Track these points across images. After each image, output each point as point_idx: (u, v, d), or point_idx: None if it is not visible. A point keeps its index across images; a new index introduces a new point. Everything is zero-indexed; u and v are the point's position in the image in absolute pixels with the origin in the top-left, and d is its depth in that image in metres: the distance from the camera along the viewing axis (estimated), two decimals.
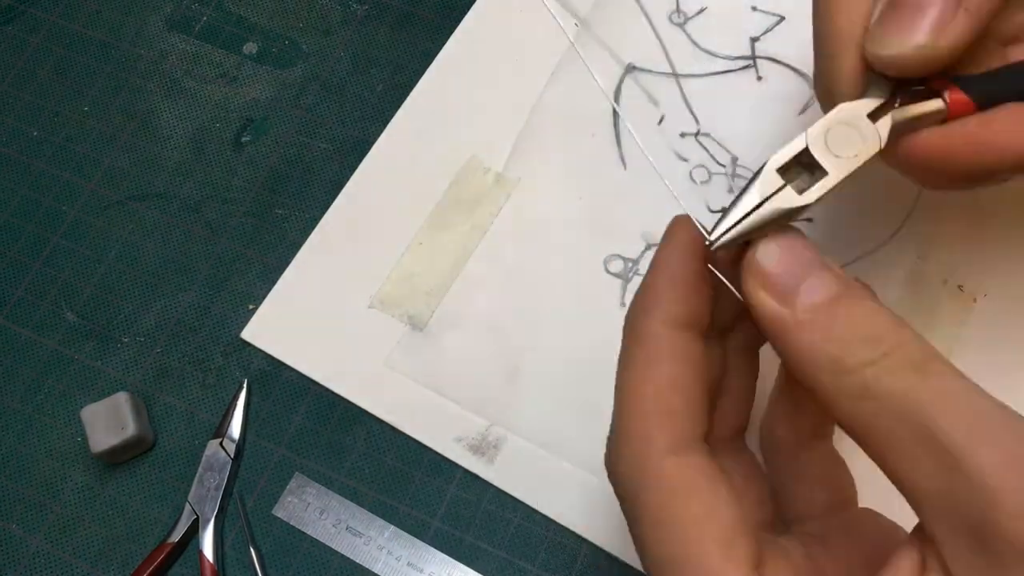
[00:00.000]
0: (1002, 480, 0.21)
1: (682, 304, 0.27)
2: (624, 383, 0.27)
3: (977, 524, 0.21)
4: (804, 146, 0.26)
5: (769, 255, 0.25)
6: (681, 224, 0.27)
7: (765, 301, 0.25)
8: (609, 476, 0.27)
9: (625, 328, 0.27)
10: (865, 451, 0.24)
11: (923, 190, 0.40)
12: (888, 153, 0.28)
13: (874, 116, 0.27)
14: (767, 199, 0.26)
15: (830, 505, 0.29)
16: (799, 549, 0.27)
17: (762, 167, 0.27)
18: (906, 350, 0.23)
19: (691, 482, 0.25)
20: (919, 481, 0.22)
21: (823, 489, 0.30)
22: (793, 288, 0.24)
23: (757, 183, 0.26)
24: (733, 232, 0.26)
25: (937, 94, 0.28)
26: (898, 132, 0.27)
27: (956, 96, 0.27)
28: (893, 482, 0.23)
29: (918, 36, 0.27)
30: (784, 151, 0.26)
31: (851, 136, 0.27)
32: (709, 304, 0.27)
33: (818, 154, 0.26)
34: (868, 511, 0.29)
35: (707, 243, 0.26)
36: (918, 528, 0.23)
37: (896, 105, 0.27)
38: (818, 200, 0.26)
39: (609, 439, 0.27)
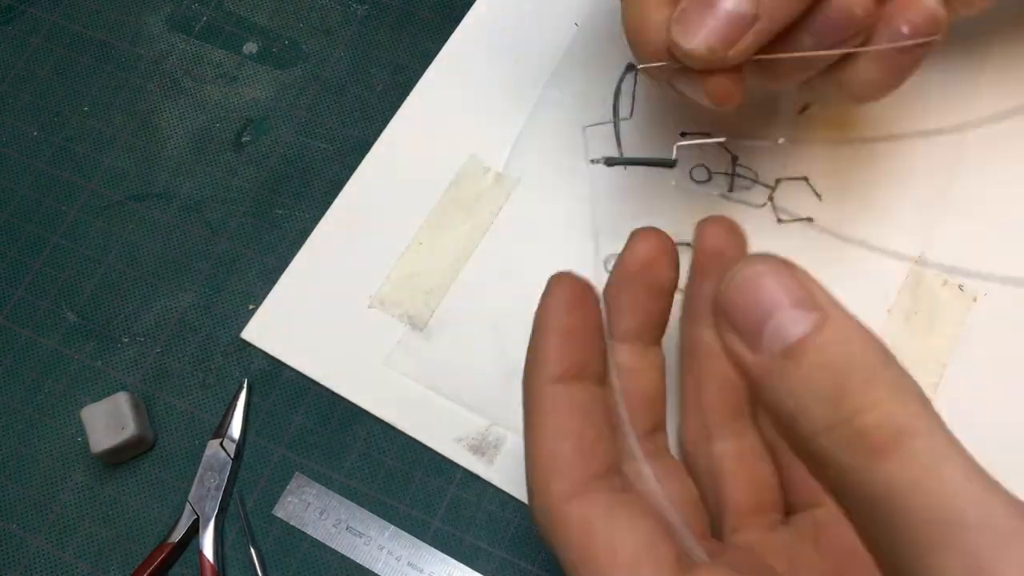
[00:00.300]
0: None
1: (563, 360, 0.27)
2: (525, 442, 0.27)
3: None
4: None
5: (736, 289, 0.22)
6: (557, 281, 0.29)
7: (733, 344, 0.22)
8: (533, 520, 0.27)
9: (523, 391, 0.28)
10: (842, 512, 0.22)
11: (922, 189, 0.40)
12: None
13: None
14: None
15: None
16: (746, 552, 0.27)
17: None
18: (870, 416, 0.20)
19: (591, 524, 0.25)
20: (880, 558, 0.21)
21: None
22: (758, 331, 0.21)
23: None
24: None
25: None
26: None
27: None
28: (866, 547, 0.21)
29: (709, 40, 0.29)
30: None
31: None
32: (594, 350, 0.28)
33: None
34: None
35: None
36: None
37: None
38: None
39: (528, 497, 0.27)
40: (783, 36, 0.30)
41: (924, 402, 0.20)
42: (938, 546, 0.19)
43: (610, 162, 0.30)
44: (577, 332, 0.28)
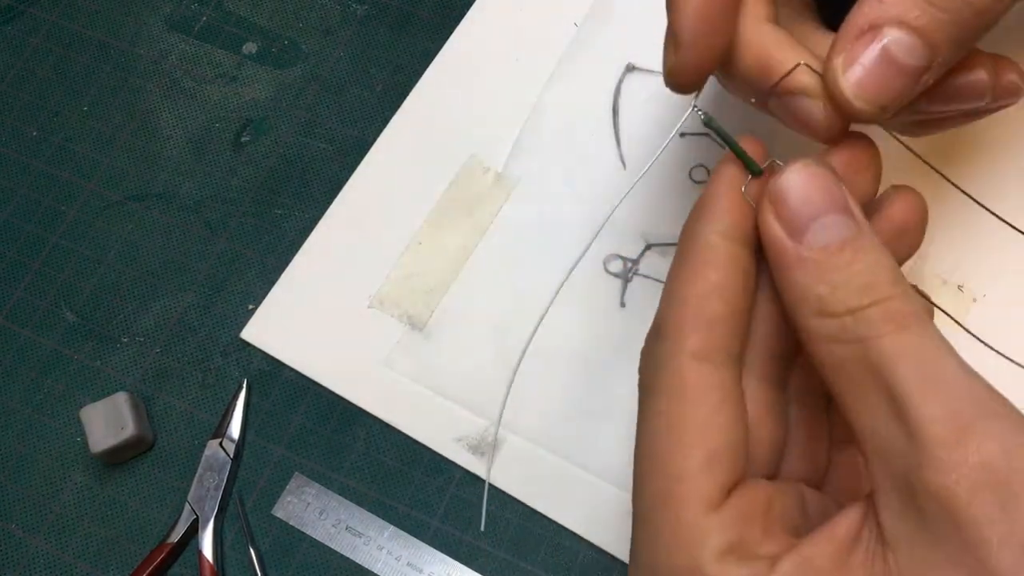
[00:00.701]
0: (938, 434, 0.21)
1: (738, 220, 0.27)
2: (671, 285, 0.27)
3: (910, 476, 0.22)
4: None
5: (791, 184, 0.25)
6: (744, 145, 0.28)
7: (774, 229, 0.25)
8: (639, 368, 0.27)
9: (680, 238, 0.27)
10: (830, 390, 0.25)
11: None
12: None
13: None
14: None
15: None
16: (791, 500, 0.26)
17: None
18: (892, 304, 0.23)
19: (706, 393, 0.25)
20: (868, 426, 0.23)
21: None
22: (805, 224, 0.24)
23: None
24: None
25: None
26: None
27: None
28: (849, 425, 0.24)
29: (888, 99, 0.27)
30: None
31: None
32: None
33: None
34: None
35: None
36: (869, 492, 0.24)
37: None
38: None
39: (647, 336, 0.27)
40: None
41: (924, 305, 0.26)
42: (925, 393, 0.22)
43: (707, 121, 0.28)
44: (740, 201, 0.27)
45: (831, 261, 0.24)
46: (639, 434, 0.26)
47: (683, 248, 0.27)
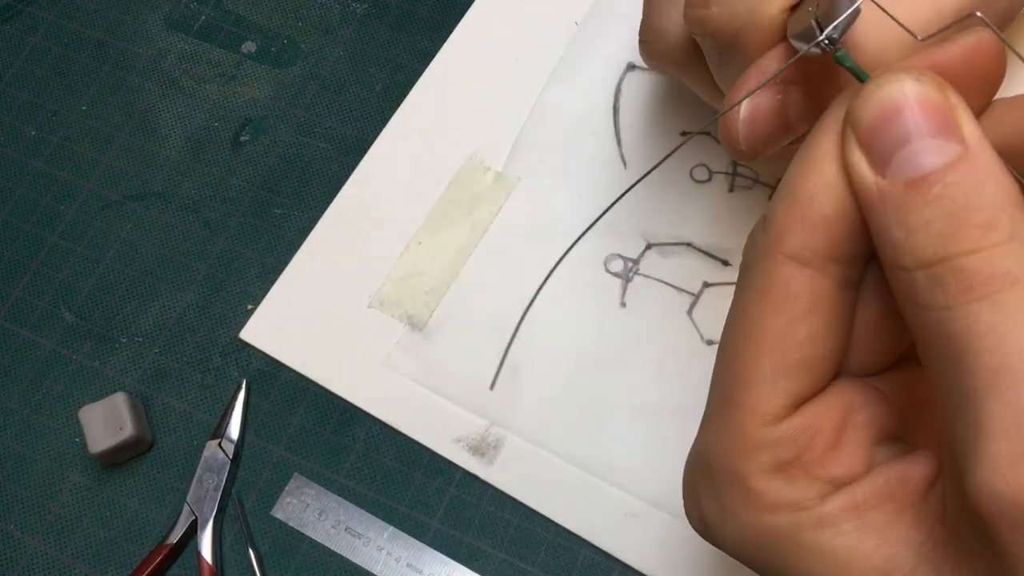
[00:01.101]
0: (997, 452, 0.18)
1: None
2: (787, 176, 0.23)
3: (962, 480, 0.19)
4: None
5: (872, 101, 0.21)
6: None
7: (856, 161, 0.21)
8: (742, 257, 0.24)
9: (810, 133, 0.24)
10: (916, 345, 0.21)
11: None
12: None
13: None
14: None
15: None
16: (881, 408, 0.24)
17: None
18: (975, 259, 0.19)
19: (791, 297, 0.22)
20: (942, 406, 0.20)
21: None
22: (890, 151, 0.20)
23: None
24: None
25: None
26: None
27: None
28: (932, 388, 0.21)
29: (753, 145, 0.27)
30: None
31: None
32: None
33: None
34: None
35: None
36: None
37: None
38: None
39: (756, 224, 0.25)
40: None
41: None
42: (993, 392, 0.18)
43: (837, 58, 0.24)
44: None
45: (913, 197, 0.20)
46: (726, 324, 0.24)
47: (808, 138, 0.23)
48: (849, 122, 0.21)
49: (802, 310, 0.22)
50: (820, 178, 0.22)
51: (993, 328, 0.19)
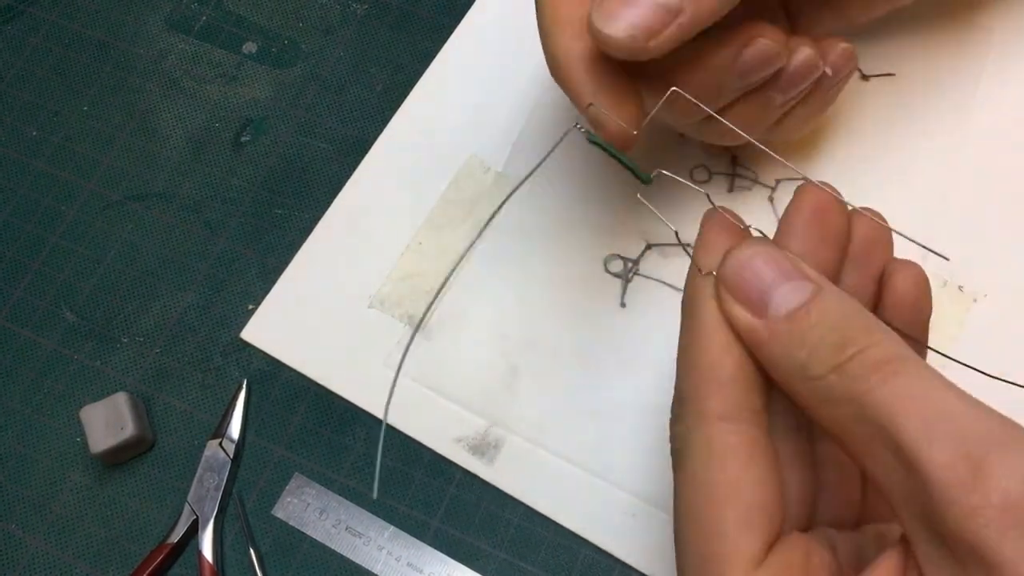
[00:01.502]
0: (952, 478, 0.21)
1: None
2: (682, 356, 0.27)
3: (937, 523, 0.21)
4: None
5: (737, 266, 0.26)
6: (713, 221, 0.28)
7: (739, 316, 0.26)
8: (669, 439, 0.27)
9: (683, 304, 0.28)
10: (843, 452, 0.24)
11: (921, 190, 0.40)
12: None
13: None
14: None
15: None
16: (825, 550, 0.26)
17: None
18: (870, 352, 0.23)
19: (734, 450, 0.25)
20: (887, 481, 0.23)
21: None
22: (765, 299, 0.25)
23: None
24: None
25: None
26: None
27: None
28: (871, 483, 0.24)
29: (631, 27, 0.29)
30: None
31: None
32: None
33: None
34: None
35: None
36: (903, 536, 0.24)
37: None
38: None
39: (671, 408, 0.27)
40: (709, 74, 0.32)
41: (907, 346, 0.24)
42: (932, 438, 0.22)
43: (591, 139, 0.30)
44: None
45: (799, 325, 0.24)
46: (676, 503, 0.26)
47: (685, 318, 0.28)
48: (723, 287, 0.26)
49: (746, 457, 0.25)
50: (713, 344, 0.26)
51: (908, 391, 0.23)
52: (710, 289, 0.27)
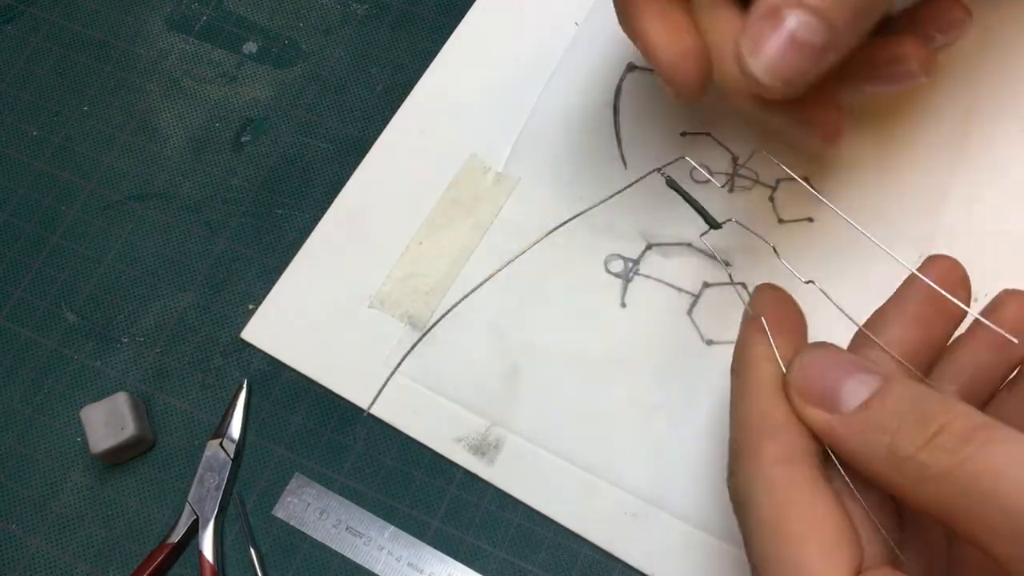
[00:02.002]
0: None
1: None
2: (735, 411, 0.28)
3: None
4: None
5: (803, 370, 0.27)
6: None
7: (813, 416, 0.26)
8: (729, 493, 0.28)
9: (733, 363, 0.29)
10: (950, 530, 0.25)
11: (924, 192, 0.40)
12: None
13: None
14: None
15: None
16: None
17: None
18: (956, 425, 0.24)
19: (797, 488, 0.26)
20: (1002, 549, 0.22)
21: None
22: (835, 395, 0.26)
23: None
24: None
25: None
26: None
27: None
28: (986, 556, 0.23)
29: (792, 75, 0.29)
30: None
31: None
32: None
33: None
34: None
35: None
36: None
37: None
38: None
39: (728, 467, 0.28)
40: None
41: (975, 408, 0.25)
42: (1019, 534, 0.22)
43: (670, 183, 0.31)
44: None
45: (875, 413, 0.25)
46: (752, 557, 0.26)
47: (735, 377, 0.29)
48: (793, 393, 0.27)
49: (810, 493, 0.26)
50: (765, 394, 0.27)
51: (1007, 457, 0.22)
52: (758, 348, 0.28)
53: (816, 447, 0.27)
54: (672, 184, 0.31)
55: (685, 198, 0.30)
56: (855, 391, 0.26)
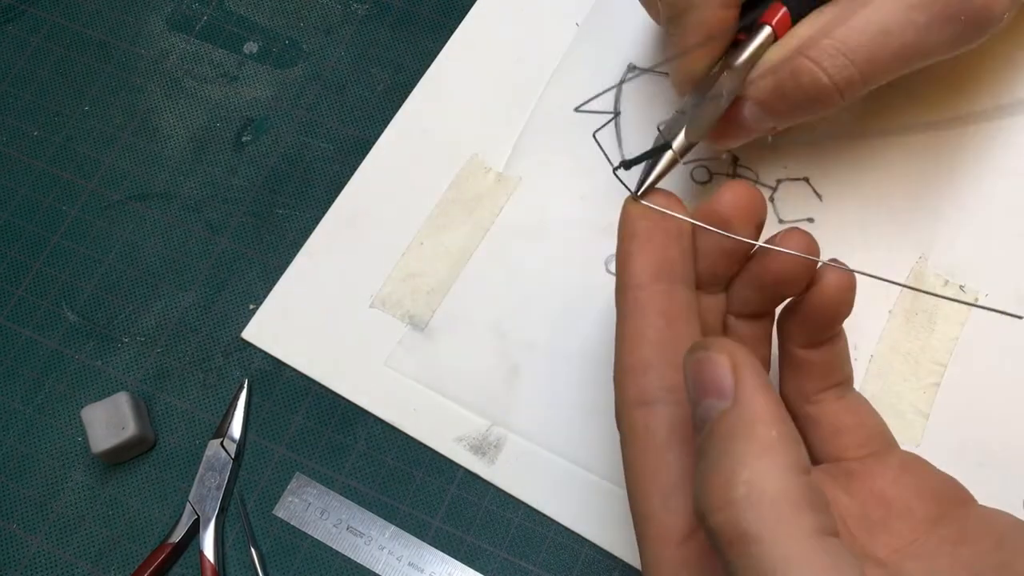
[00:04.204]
0: None
1: (646, 265, 0.29)
2: (616, 347, 0.30)
3: None
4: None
5: (696, 360, 0.25)
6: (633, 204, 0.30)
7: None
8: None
9: (615, 298, 0.30)
10: None
11: (926, 192, 0.40)
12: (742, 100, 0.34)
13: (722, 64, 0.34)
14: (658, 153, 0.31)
15: (858, 449, 0.30)
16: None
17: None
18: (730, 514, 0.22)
19: (648, 433, 0.27)
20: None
21: (844, 436, 0.31)
22: (698, 399, 0.25)
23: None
24: (650, 179, 0.31)
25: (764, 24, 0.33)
26: (748, 66, 0.33)
27: (780, 19, 0.33)
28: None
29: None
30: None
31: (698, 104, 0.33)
32: (678, 251, 0.30)
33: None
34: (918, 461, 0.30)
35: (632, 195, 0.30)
36: None
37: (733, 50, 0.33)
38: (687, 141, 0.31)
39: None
40: None
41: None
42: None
43: (627, 164, 0.32)
44: (659, 235, 0.29)
45: (708, 435, 0.24)
46: (626, 481, 0.28)
47: (617, 305, 0.29)
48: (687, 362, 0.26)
49: (663, 439, 0.27)
50: (636, 331, 0.29)
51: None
52: (641, 271, 0.29)
53: (681, 381, 0.27)
54: (628, 164, 0.32)
55: (638, 160, 0.31)
56: (706, 411, 0.24)
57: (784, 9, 0.33)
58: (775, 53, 0.33)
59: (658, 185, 0.31)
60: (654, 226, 0.29)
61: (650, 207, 0.29)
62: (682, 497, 0.26)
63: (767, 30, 0.33)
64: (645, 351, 0.28)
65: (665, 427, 0.27)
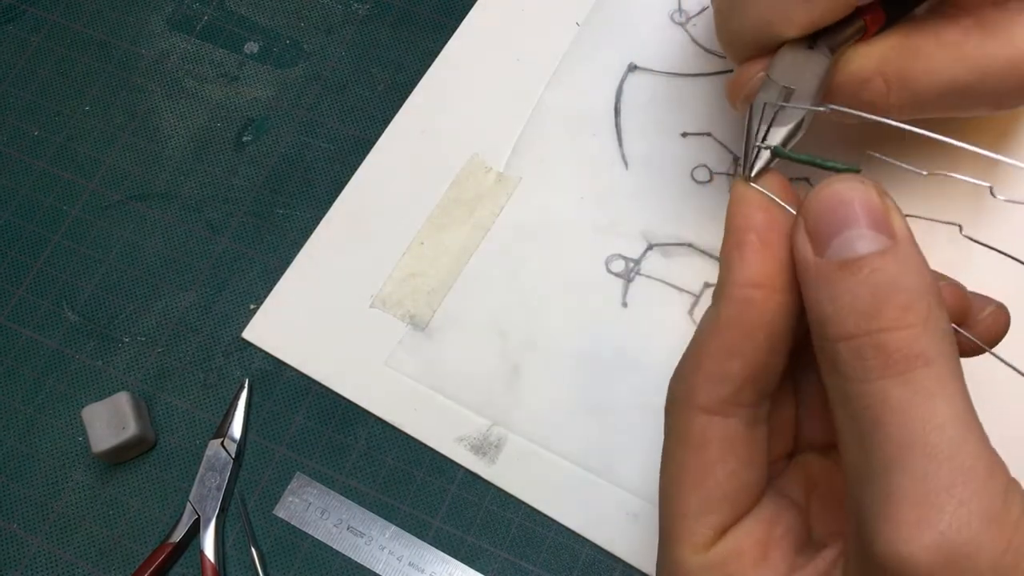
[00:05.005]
0: (899, 510, 0.20)
1: (770, 269, 0.26)
2: (698, 332, 0.26)
3: (865, 545, 0.21)
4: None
5: (820, 196, 0.24)
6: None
7: (801, 243, 0.24)
8: (665, 411, 0.28)
9: (715, 288, 0.27)
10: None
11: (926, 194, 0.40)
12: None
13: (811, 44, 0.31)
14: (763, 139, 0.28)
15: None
16: (793, 517, 0.27)
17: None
18: (895, 337, 0.21)
19: (707, 442, 0.26)
20: (847, 465, 0.23)
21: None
22: (828, 237, 0.23)
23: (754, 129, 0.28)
24: (758, 165, 0.27)
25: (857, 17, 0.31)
26: (834, 50, 0.31)
27: (873, 15, 0.31)
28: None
29: None
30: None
31: (801, 64, 0.30)
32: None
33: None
34: None
35: (743, 177, 0.27)
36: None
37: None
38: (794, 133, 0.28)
39: (673, 374, 0.27)
40: None
41: (949, 342, 0.22)
42: (898, 466, 0.21)
43: (778, 153, 0.28)
44: (776, 236, 0.25)
45: (843, 276, 0.22)
46: (661, 466, 0.27)
47: (715, 298, 0.26)
48: (802, 212, 0.24)
49: (719, 452, 0.25)
50: (728, 337, 0.25)
51: (904, 404, 0.21)
52: (746, 271, 0.25)
53: (757, 398, 0.26)
54: (779, 152, 0.28)
55: (814, 163, 0.27)
56: (848, 244, 0.23)
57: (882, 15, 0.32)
58: (861, 55, 0.31)
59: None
60: (771, 221, 0.25)
61: (764, 193, 0.26)
62: (719, 513, 0.25)
63: (859, 22, 0.31)
64: (735, 365, 0.25)
65: (722, 438, 0.25)
